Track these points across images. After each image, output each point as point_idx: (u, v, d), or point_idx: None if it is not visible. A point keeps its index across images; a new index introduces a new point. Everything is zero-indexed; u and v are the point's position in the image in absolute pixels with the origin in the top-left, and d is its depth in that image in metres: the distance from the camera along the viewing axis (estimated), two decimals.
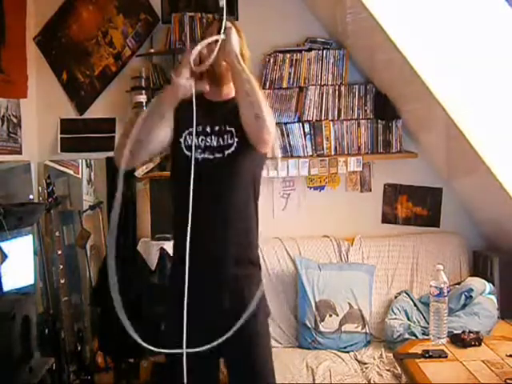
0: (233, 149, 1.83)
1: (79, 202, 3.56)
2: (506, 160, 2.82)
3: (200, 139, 1.84)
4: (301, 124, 3.46)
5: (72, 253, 3.50)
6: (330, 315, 3.16)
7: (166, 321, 1.95)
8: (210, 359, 1.84)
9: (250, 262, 1.90)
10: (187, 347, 1.69)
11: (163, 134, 1.83)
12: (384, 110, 3.49)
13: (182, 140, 1.85)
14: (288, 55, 3.43)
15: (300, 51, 3.43)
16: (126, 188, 3.50)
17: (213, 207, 1.82)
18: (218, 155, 1.83)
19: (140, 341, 1.75)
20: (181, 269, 1.71)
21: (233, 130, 1.84)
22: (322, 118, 3.47)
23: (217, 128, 1.86)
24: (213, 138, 1.84)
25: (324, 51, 3.44)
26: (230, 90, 1.89)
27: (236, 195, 1.84)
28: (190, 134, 1.83)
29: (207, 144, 1.84)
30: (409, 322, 3.07)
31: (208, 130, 1.85)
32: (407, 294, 3.25)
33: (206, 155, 1.83)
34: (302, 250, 3.38)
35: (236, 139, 1.84)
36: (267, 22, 3.45)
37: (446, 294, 2.51)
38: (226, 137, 1.84)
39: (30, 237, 3.14)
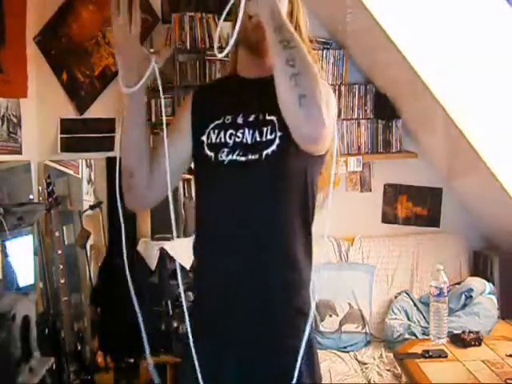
0: (274, 147, 1.30)
1: (79, 202, 3.56)
2: (506, 160, 2.82)
3: (228, 134, 1.33)
4: None
5: (72, 253, 3.50)
6: (330, 315, 3.16)
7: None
8: None
9: (293, 309, 1.35)
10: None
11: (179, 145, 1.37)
12: (384, 109, 3.49)
13: (204, 138, 1.36)
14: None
15: None
16: None
17: (241, 231, 1.31)
18: (252, 157, 1.31)
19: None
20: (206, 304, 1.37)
21: (274, 119, 1.30)
22: None
23: (252, 117, 1.33)
24: (246, 131, 1.32)
25: (324, 51, 3.44)
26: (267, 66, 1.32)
27: (276, 215, 1.32)
28: (217, 127, 1.35)
29: (237, 140, 1.32)
30: (409, 322, 3.07)
31: (240, 120, 1.34)
32: (407, 293, 3.25)
33: (235, 156, 1.31)
34: None
35: (279, 133, 1.30)
36: None
37: (446, 294, 2.51)
38: (265, 130, 1.31)
39: (30, 237, 3.14)
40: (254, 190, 1.32)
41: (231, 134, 1.33)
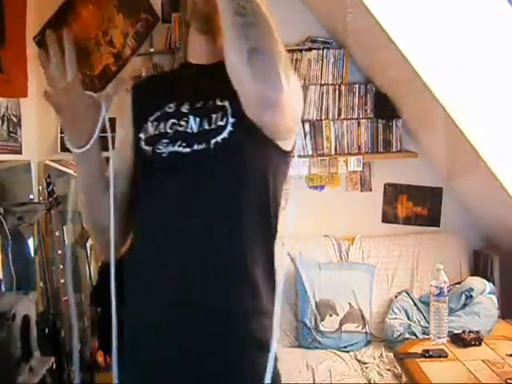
0: (225, 135, 1.08)
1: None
2: (506, 160, 2.82)
3: (169, 124, 1.13)
4: (301, 123, 3.46)
5: (72, 253, 3.50)
6: (330, 315, 3.16)
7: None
8: None
9: (249, 340, 1.08)
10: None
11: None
12: (384, 109, 3.49)
13: (142, 134, 1.17)
14: (288, 55, 3.42)
15: (300, 51, 3.43)
16: None
17: (178, 244, 1.06)
18: (198, 146, 1.08)
19: None
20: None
21: (227, 105, 1.11)
22: (322, 118, 3.47)
23: (200, 104, 1.13)
24: (191, 119, 1.11)
25: (324, 51, 3.44)
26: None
27: (226, 216, 1.07)
28: (157, 119, 1.15)
29: (179, 129, 1.11)
30: (409, 322, 3.07)
31: (185, 109, 1.14)
32: (407, 293, 3.25)
33: (176, 147, 1.10)
34: (302, 249, 3.37)
35: (231, 119, 1.09)
36: None
37: (446, 294, 2.51)
38: (214, 117, 1.10)
39: (30, 237, 3.14)
40: (201, 188, 1.06)
41: (173, 124, 1.12)
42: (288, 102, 1.01)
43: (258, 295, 1.08)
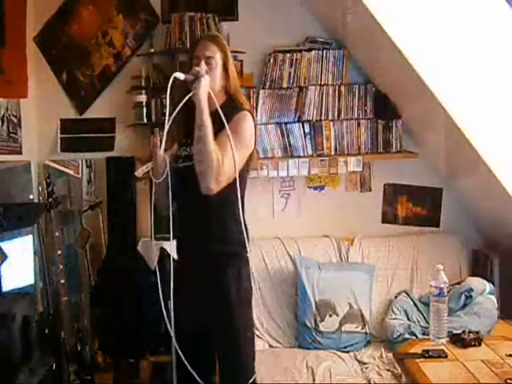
0: None
1: (79, 202, 3.56)
2: (506, 160, 2.82)
3: (183, 149, 2.10)
4: (301, 124, 3.47)
5: (72, 253, 3.50)
6: (330, 315, 3.16)
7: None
8: (202, 349, 2.08)
9: (228, 242, 2.06)
10: (185, 318, 2.02)
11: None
12: (384, 109, 3.49)
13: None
14: (288, 55, 3.43)
15: (300, 51, 3.43)
16: (125, 188, 3.50)
17: (196, 204, 2.03)
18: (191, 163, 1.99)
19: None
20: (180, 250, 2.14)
21: None
22: (322, 118, 3.47)
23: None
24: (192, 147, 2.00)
25: (324, 51, 3.44)
26: (213, 102, 1.98)
27: (205, 198, 1.96)
28: (179, 145, 2.13)
29: (186, 154, 2.07)
30: (409, 322, 3.07)
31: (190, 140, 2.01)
32: (407, 293, 3.25)
33: (186, 163, 2.04)
34: (302, 249, 3.38)
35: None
36: (267, 22, 3.45)
37: (445, 294, 2.51)
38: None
39: (30, 237, 3.14)
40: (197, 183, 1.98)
41: (183, 150, 2.11)
42: (220, 183, 1.93)
43: (231, 223, 2.05)
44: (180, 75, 1.99)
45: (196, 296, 2.06)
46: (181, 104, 1.96)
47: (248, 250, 2.05)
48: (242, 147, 1.98)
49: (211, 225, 2.05)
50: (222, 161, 1.89)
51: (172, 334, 2.01)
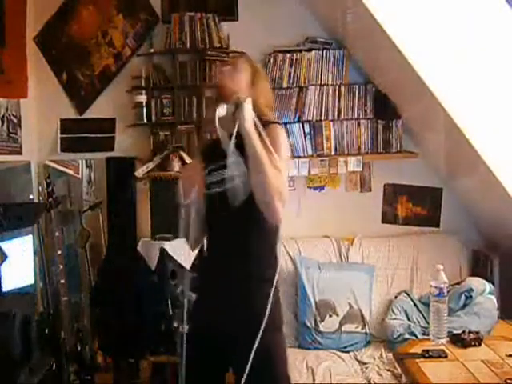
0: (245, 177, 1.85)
1: (79, 202, 3.56)
2: (506, 160, 2.82)
3: (214, 175, 1.90)
4: (301, 124, 3.47)
5: (72, 253, 3.50)
6: (330, 315, 3.16)
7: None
8: (218, 367, 1.93)
9: (257, 278, 1.89)
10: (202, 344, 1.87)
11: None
12: (384, 109, 3.49)
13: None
14: (288, 55, 3.43)
15: (300, 51, 3.43)
16: (125, 188, 3.50)
17: (227, 235, 1.90)
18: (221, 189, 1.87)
19: None
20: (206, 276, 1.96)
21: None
22: (322, 118, 3.47)
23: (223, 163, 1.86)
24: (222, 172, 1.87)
25: (324, 51, 3.44)
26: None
27: (241, 224, 1.87)
28: (208, 172, 1.91)
29: (217, 179, 1.88)
30: (409, 322, 3.07)
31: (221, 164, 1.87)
32: (407, 294, 3.25)
33: (216, 189, 1.87)
34: (302, 249, 3.38)
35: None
36: (267, 22, 3.45)
37: (445, 294, 2.51)
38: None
39: (30, 237, 3.14)
40: (227, 210, 1.83)
41: (214, 175, 1.88)
42: (279, 212, 1.82)
43: (264, 265, 1.91)
44: (222, 111, 1.79)
45: (223, 320, 1.88)
46: (232, 142, 1.77)
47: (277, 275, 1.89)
48: (285, 164, 1.87)
49: (248, 252, 1.89)
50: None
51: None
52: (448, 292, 2.57)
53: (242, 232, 1.88)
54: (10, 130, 3.21)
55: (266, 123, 1.88)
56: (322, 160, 3.46)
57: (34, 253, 3.20)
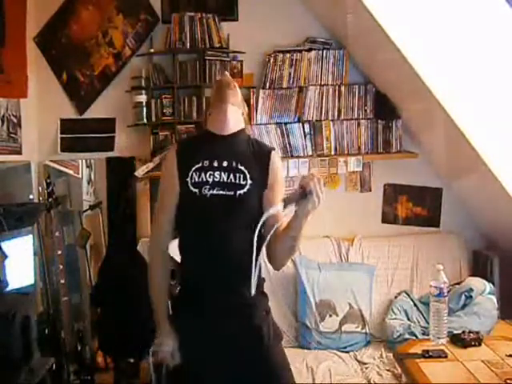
0: (245, 190, 1.80)
1: (79, 202, 3.56)
2: (506, 160, 2.82)
3: (208, 175, 1.80)
4: (301, 124, 3.47)
5: (72, 253, 3.50)
6: (330, 315, 3.16)
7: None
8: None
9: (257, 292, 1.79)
10: (202, 370, 1.80)
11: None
12: (384, 110, 3.49)
13: (188, 179, 1.81)
14: (288, 55, 3.43)
15: (300, 51, 3.43)
16: (125, 188, 3.50)
17: (221, 242, 1.79)
18: (228, 193, 1.79)
19: None
20: (192, 308, 1.88)
21: (245, 170, 1.81)
22: (322, 118, 3.47)
23: (225, 163, 1.82)
24: (222, 173, 1.80)
25: (324, 51, 3.44)
26: (234, 124, 1.87)
27: (241, 233, 1.76)
28: (197, 170, 1.81)
29: (215, 180, 1.80)
30: (409, 322, 3.07)
31: (215, 164, 1.81)
32: (407, 294, 3.26)
33: (215, 191, 1.78)
34: (302, 249, 3.37)
35: (250, 181, 1.81)
36: (267, 22, 3.45)
37: (445, 294, 2.51)
38: (237, 175, 1.81)
39: (30, 237, 3.14)
40: (229, 217, 1.79)
41: (210, 175, 1.80)
42: None
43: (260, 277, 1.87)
44: (291, 206, 1.77)
45: (225, 343, 1.80)
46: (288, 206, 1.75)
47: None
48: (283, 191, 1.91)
49: (241, 264, 1.74)
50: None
51: None
52: (448, 292, 2.57)
53: (244, 240, 1.71)
54: (10, 130, 3.21)
55: (263, 151, 1.89)
56: (321, 160, 3.46)
57: (34, 253, 3.20)
